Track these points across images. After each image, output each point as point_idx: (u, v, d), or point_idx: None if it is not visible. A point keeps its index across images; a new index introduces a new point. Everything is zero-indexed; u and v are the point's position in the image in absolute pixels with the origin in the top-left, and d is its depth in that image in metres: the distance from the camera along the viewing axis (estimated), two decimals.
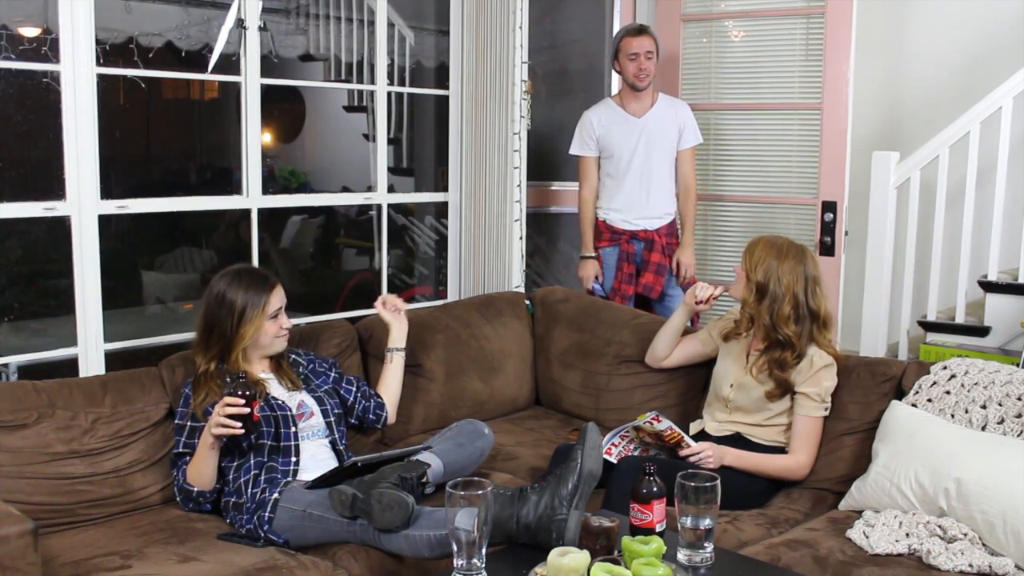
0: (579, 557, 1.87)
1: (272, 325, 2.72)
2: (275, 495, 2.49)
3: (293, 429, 2.64)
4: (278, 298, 2.73)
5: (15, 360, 3.08)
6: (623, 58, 3.99)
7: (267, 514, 2.46)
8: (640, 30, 4.01)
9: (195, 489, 2.58)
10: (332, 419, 2.77)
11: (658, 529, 2.13)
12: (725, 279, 3.83)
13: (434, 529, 2.26)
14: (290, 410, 2.67)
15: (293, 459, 2.62)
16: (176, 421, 2.66)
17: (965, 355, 3.09)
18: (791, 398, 2.80)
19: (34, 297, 5.45)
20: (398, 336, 3.04)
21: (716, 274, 4.34)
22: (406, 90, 5.72)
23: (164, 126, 8.13)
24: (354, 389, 2.95)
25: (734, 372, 2.90)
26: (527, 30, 3.82)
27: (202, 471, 2.56)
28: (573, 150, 4.12)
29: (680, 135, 4.06)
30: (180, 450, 2.62)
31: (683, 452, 2.72)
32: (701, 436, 2.90)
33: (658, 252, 4.03)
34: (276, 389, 2.74)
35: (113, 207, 3.12)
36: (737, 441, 2.83)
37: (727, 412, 2.89)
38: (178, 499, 2.64)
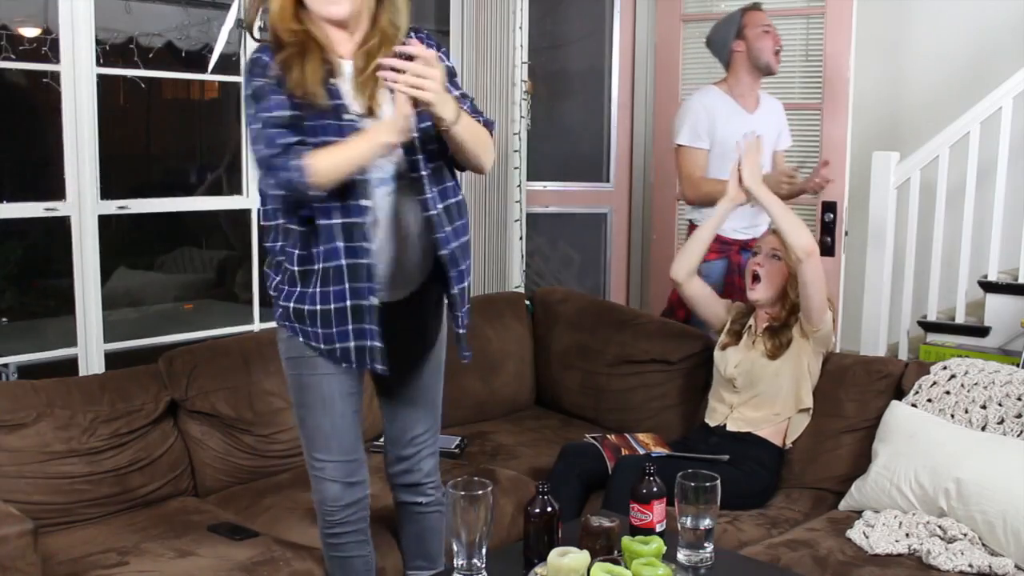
0: (579, 557, 1.87)
1: None
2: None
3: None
4: None
5: (15, 360, 3.07)
6: (754, 34, 3.43)
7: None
8: (758, 5, 3.53)
9: (307, 180, 1.86)
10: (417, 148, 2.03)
11: (658, 529, 2.12)
12: None
13: None
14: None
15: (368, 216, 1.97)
16: (255, 113, 1.91)
17: (965, 355, 3.10)
18: (799, 345, 2.83)
19: (34, 297, 5.44)
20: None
21: None
22: None
23: (164, 126, 8.13)
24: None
25: (738, 355, 2.90)
26: (527, 30, 3.82)
27: (343, 164, 1.88)
28: (682, 139, 3.44)
29: (779, 136, 3.67)
30: (286, 141, 1.89)
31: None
32: (702, 429, 2.91)
33: None
34: (349, 97, 1.99)
35: (113, 207, 3.12)
36: (744, 439, 2.82)
37: (735, 393, 2.87)
38: (271, 182, 1.91)
